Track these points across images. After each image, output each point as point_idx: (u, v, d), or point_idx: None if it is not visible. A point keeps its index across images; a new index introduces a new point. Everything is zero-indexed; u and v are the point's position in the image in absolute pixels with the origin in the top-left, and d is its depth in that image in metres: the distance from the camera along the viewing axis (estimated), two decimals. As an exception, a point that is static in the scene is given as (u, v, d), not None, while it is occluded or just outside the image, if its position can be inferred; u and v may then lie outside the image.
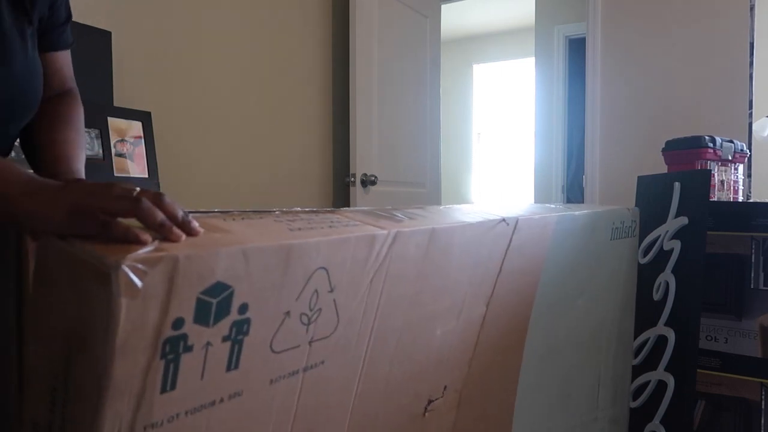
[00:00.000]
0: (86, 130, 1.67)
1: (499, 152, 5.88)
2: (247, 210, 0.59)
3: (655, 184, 1.55)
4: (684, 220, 1.43)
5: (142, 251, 0.40)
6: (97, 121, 1.71)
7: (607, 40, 2.67)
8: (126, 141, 1.78)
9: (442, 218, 0.72)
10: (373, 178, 2.64)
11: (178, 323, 0.43)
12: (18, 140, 0.87)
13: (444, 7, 3.35)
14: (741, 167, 1.85)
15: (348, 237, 0.56)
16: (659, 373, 1.41)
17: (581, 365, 1.11)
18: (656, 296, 1.46)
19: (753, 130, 2.36)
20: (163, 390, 0.43)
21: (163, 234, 0.44)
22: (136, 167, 1.78)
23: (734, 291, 1.49)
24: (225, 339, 0.46)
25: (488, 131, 5.94)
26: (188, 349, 0.44)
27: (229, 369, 0.47)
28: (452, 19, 4.97)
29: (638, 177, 1.64)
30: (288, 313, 0.51)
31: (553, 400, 1.04)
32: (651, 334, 1.44)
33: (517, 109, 5.70)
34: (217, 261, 0.44)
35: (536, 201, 4.30)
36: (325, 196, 2.74)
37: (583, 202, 3.28)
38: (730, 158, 1.76)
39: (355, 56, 2.59)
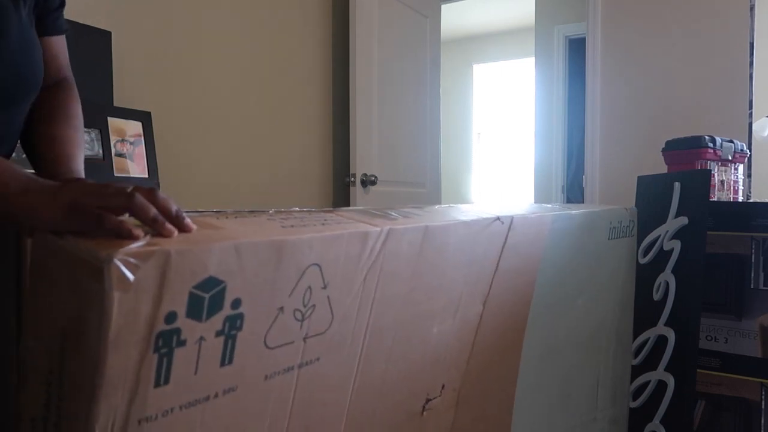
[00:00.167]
0: (86, 130, 1.67)
1: (499, 152, 5.88)
2: (242, 210, 0.60)
3: (655, 184, 1.55)
4: (684, 220, 1.43)
5: (135, 246, 0.41)
6: (97, 121, 1.71)
7: (607, 40, 2.67)
8: (126, 141, 1.78)
9: (437, 217, 0.72)
10: (373, 178, 2.64)
11: (171, 317, 0.43)
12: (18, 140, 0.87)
13: (444, 7, 3.35)
14: (741, 167, 1.85)
15: (341, 233, 0.56)
16: (659, 373, 1.41)
17: (581, 365, 1.11)
18: (656, 296, 1.46)
19: (753, 130, 2.36)
20: (157, 384, 0.43)
21: (156, 229, 0.45)
22: (136, 167, 1.78)
23: (734, 291, 1.49)
24: (218, 334, 0.47)
25: (488, 131, 5.94)
26: (181, 343, 0.44)
27: (223, 364, 0.48)
28: (452, 19, 4.97)
29: (638, 177, 1.64)
30: (281, 309, 0.52)
31: (552, 400, 1.04)
32: (651, 334, 1.44)
33: (517, 109, 5.70)
34: (209, 256, 0.45)
35: (536, 201, 4.30)
36: (325, 196, 2.74)
37: (583, 202, 3.28)
38: (730, 158, 1.76)
39: (355, 56, 2.59)
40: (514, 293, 0.88)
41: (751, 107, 2.37)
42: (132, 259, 0.40)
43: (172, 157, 2.01)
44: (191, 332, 0.45)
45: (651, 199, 1.54)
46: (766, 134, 2.34)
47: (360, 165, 2.61)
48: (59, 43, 0.91)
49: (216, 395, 0.48)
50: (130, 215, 0.46)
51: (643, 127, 2.58)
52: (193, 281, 0.44)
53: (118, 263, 0.39)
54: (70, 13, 1.65)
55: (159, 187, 1.85)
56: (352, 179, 2.60)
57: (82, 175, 0.86)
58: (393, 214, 0.68)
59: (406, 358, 0.70)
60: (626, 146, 2.62)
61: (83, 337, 0.41)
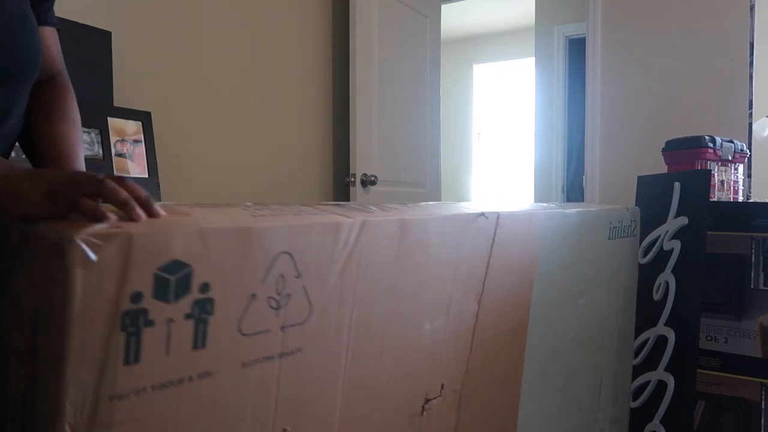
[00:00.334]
0: (86, 130, 1.67)
1: (499, 152, 5.88)
2: (223, 202, 0.60)
3: (655, 184, 1.55)
4: (684, 220, 1.43)
5: (98, 227, 0.43)
6: (97, 121, 1.71)
7: (607, 40, 2.67)
8: (126, 141, 1.78)
9: (417, 211, 0.72)
10: (373, 178, 2.64)
11: (137, 297, 0.45)
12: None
13: (444, 7, 3.35)
14: (741, 167, 1.85)
15: (310, 223, 0.57)
16: (659, 373, 1.41)
17: (583, 365, 1.11)
18: (656, 296, 1.46)
19: (753, 130, 2.36)
20: (127, 362, 0.45)
21: (127, 212, 0.47)
22: (136, 167, 1.78)
23: (734, 291, 1.49)
24: (188, 317, 0.48)
25: (488, 131, 5.94)
26: (149, 323, 0.46)
27: (196, 347, 0.49)
28: (452, 19, 4.97)
29: (638, 177, 1.64)
30: (254, 296, 0.52)
31: (556, 401, 1.04)
32: (651, 334, 1.44)
33: (517, 109, 5.70)
34: (172, 239, 0.46)
35: (536, 201, 4.30)
36: (325, 196, 2.74)
37: (583, 202, 3.27)
38: (730, 158, 1.76)
39: (355, 56, 2.59)
40: (511, 292, 0.88)
41: (751, 107, 2.37)
42: (94, 240, 0.42)
43: (172, 157, 2.01)
44: (159, 313, 0.46)
45: (651, 199, 1.54)
46: (766, 134, 2.34)
47: (360, 165, 2.61)
48: (51, 36, 0.91)
49: (191, 378, 0.49)
50: (103, 201, 0.48)
51: (643, 127, 2.58)
52: (157, 263, 0.45)
53: (80, 242, 0.41)
54: (70, 13, 1.66)
55: (159, 187, 1.85)
56: (352, 179, 2.60)
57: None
58: (372, 208, 0.69)
59: (399, 356, 0.70)
60: (626, 146, 2.62)
61: (51, 315, 0.42)
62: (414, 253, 0.69)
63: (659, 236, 1.48)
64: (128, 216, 0.47)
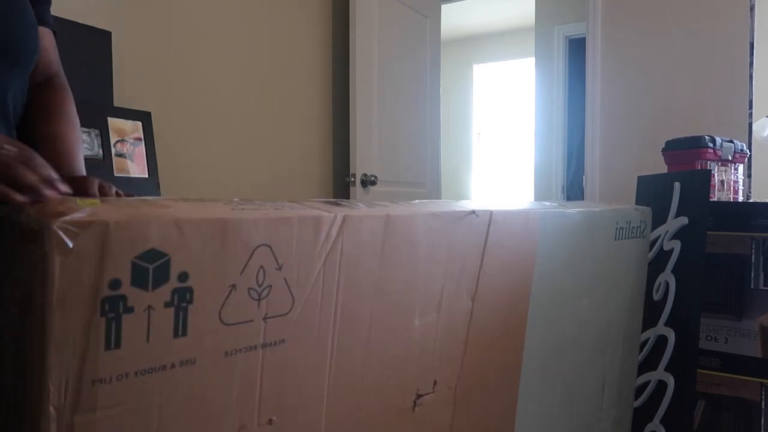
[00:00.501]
0: (86, 130, 1.67)
1: (499, 152, 5.89)
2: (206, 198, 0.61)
3: (655, 184, 1.55)
4: (684, 220, 1.43)
5: (76, 215, 0.44)
6: (97, 121, 1.71)
7: (607, 40, 2.67)
8: (126, 141, 1.78)
9: (403, 208, 0.73)
10: (373, 178, 2.64)
11: (115, 284, 0.46)
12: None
13: (444, 7, 3.35)
14: (741, 167, 1.85)
15: (290, 216, 0.58)
16: (659, 373, 1.41)
17: (587, 366, 1.11)
18: (656, 296, 1.46)
19: (753, 130, 2.36)
20: (108, 347, 0.46)
21: (33, 197, 0.50)
22: (136, 167, 1.78)
23: (734, 291, 1.49)
24: (167, 305, 0.49)
25: (488, 131, 5.95)
26: (129, 310, 0.47)
27: (176, 335, 0.50)
28: (452, 19, 4.97)
29: (638, 177, 1.64)
30: (234, 286, 0.54)
31: (557, 401, 1.04)
32: (651, 334, 1.44)
33: (517, 109, 5.70)
34: (148, 228, 0.48)
35: (537, 200, 4.29)
36: (325, 196, 2.74)
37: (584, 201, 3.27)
38: (730, 158, 1.76)
39: (355, 56, 2.59)
40: (508, 291, 0.88)
41: (751, 107, 2.37)
42: (72, 227, 0.44)
43: (172, 157, 2.01)
44: (138, 300, 0.48)
45: (651, 199, 1.54)
46: (766, 134, 2.34)
47: (360, 165, 2.61)
48: (48, 37, 0.91)
49: (173, 365, 0.51)
50: (7, 185, 0.51)
51: (643, 127, 2.58)
52: (134, 252, 0.47)
53: (57, 230, 0.43)
54: (70, 13, 1.66)
55: (159, 187, 1.85)
56: (352, 179, 2.60)
57: (83, 172, 0.87)
58: (360, 205, 0.69)
59: (388, 350, 0.71)
60: (626, 146, 2.62)
61: (33, 300, 0.44)
62: (400, 248, 0.70)
63: (659, 236, 1.48)
64: (39, 194, 0.50)
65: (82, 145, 0.92)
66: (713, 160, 1.72)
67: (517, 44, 5.50)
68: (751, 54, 2.37)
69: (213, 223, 0.52)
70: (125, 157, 1.77)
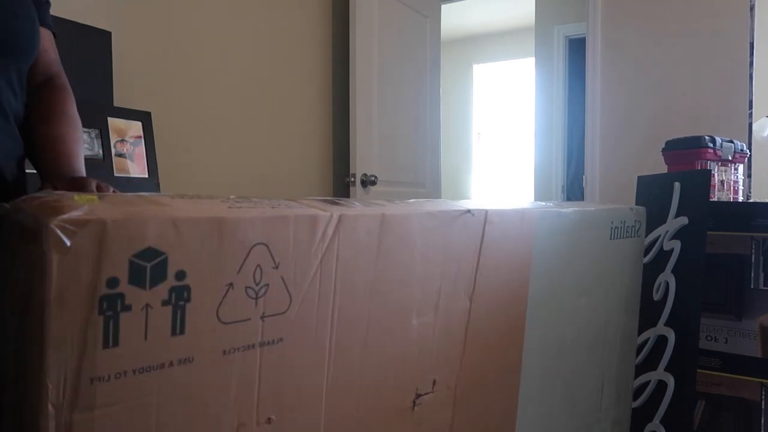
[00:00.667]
0: (86, 130, 1.67)
1: (499, 152, 5.88)
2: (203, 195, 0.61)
3: (655, 184, 1.55)
4: (684, 220, 1.43)
5: (74, 214, 0.45)
6: (97, 121, 1.71)
7: (607, 40, 2.67)
8: (126, 141, 1.78)
9: (399, 207, 0.73)
10: (373, 178, 2.64)
11: (113, 282, 0.46)
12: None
13: (444, 7, 3.35)
14: (741, 167, 1.85)
15: (286, 215, 0.58)
16: (659, 373, 1.41)
17: (586, 366, 1.11)
18: (656, 296, 1.46)
19: (753, 130, 2.36)
20: (106, 345, 0.46)
21: None
22: (136, 167, 1.79)
23: (734, 291, 1.49)
24: (165, 303, 0.50)
25: (488, 131, 5.94)
26: (127, 308, 0.47)
27: (174, 333, 0.50)
28: (452, 19, 4.97)
29: (638, 177, 1.64)
30: (231, 285, 0.54)
31: (557, 402, 1.04)
32: (651, 334, 1.44)
33: (517, 109, 5.70)
34: (146, 227, 0.48)
35: (536, 200, 4.29)
36: (325, 197, 2.74)
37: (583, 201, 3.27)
38: (730, 158, 1.76)
39: (355, 56, 2.59)
40: (505, 291, 0.88)
41: (751, 107, 2.37)
42: (69, 226, 0.44)
43: (172, 157, 2.01)
44: (136, 299, 0.48)
45: (651, 199, 1.54)
46: (766, 134, 2.34)
47: (360, 165, 2.61)
48: (48, 38, 0.92)
49: (171, 364, 0.51)
50: None
51: (643, 127, 2.58)
52: (131, 250, 0.47)
53: (55, 228, 0.43)
54: (70, 13, 1.66)
55: (159, 187, 1.85)
56: (352, 179, 2.60)
57: (83, 172, 0.87)
58: (356, 204, 0.69)
59: (386, 350, 0.71)
60: (626, 146, 2.62)
61: (32, 298, 0.44)
62: (396, 248, 0.70)
63: (659, 236, 1.48)
64: None
65: (83, 145, 0.93)
66: (713, 160, 1.72)
67: (517, 44, 5.50)
68: (751, 54, 2.37)
69: (210, 221, 0.52)
70: (125, 157, 1.77)
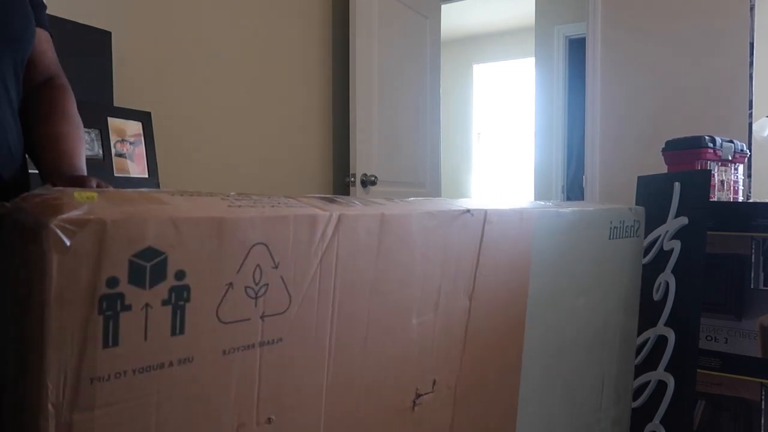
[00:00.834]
0: (86, 130, 1.67)
1: (499, 152, 5.89)
2: (203, 192, 0.61)
3: (655, 184, 1.55)
4: (684, 220, 1.43)
5: (73, 213, 0.44)
6: (97, 121, 1.71)
7: (607, 40, 2.67)
8: (126, 141, 1.78)
9: (398, 207, 0.72)
10: (373, 178, 2.64)
11: (113, 282, 0.46)
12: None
13: (444, 7, 3.35)
14: (741, 167, 1.85)
15: (286, 215, 0.58)
16: (659, 373, 1.41)
17: (586, 365, 1.11)
18: (656, 296, 1.46)
19: (753, 130, 2.36)
20: (106, 345, 0.46)
21: None
22: (136, 167, 1.79)
23: (734, 291, 1.49)
24: (165, 303, 0.50)
25: (488, 131, 5.95)
26: (126, 308, 0.47)
27: (174, 333, 0.50)
28: (452, 19, 4.98)
29: (638, 177, 1.64)
30: (231, 285, 0.54)
31: (557, 401, 1.04)
32: (651, 334, 1.44)
33: (517, 109, 5.70)
34: (145, 227, 0.48)
35: (536, 200, 4.29)
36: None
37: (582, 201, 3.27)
38: (730, 158, 1.76)
39: (355, 56, 2.59)
40: (505, 291, 0.88)
41: (751, 107, 2.37)
42: (69, 226, 0.44)
43: (172, 157, 2.01)
44: (135, 299, 0.48)
45: (651, 199, 1.54)
46: (766, 134, 2.34)
47: (360, 165, 2.61)
48: (45, 38, 0.92)
49: (171, 364, 0.51)
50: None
51: (643, 127, 2.58)
52: (131, 250, 0.47)
53: (55, 228, 0.43)
54: (70, 13, 1.66)
55: (159, 187, 1.85)
56: (352, 179, 2.60)
57: (85, 171, 0.87)
58: (356, 203, 0.69)
59: (386, 349, 0.71)
60: (626, 146, 2.62)
61: (32, 298, 0.44)
62: (396, 247, 0.70)
63: (659, 236, 1.48)
64: None
65: (85, 144, 0.93)
66: (713, 160, 1.72)
67: (517, 44, 5.50)
68: (751, 54, 2.37)
69: (210, 221, 0.52)
70: (125, 157, 1.77)
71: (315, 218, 0.61)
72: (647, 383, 1.43)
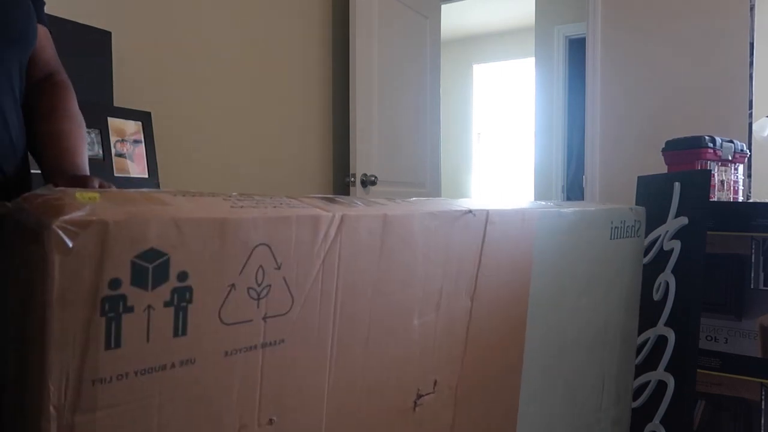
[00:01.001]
0: (87, 130, 1.67)
1: (499, 152, 5.88)
2: (206, 191, 0.61)
3: (655, 184, 1.55)
4: (684, 220, 1.43)
5: (76, 214, 0.44)
6: (97, 121, 1.71)
7: (607, 40, 2.67)
8: (126, 141, 1.78)
9: (400, 207, 0.72)
10: (373, 178, 2.64)
11: (115, 284, 0.46)
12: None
13: (444, 7, 3.35)
14: (741, 167, 1.85)
15: (288, 216, 0.58)
16: (659, 373, 1.41)
17: (586, 365, 1.11)
18: (656, 296, 1.46)
19: (753, 130, 2.36)
20: (108, 346, 0.46)
21: None
22: (136, 167, 1.78)
23: (734, 291, 1.49)
24: (167, 304, 0.49)
25: (488, 131, 5.94)
26: (129, 309, 0.47)
27: (176, 334, 0.50)
28: (452, 19, 4.97)
29: (638, 177, 1.64)
30: (233, 286, 0.54)
31: (558, 401, 1.04)
32: (651, 334, 1.44)
33: (517, 109, 5.70)
34: (148, 228, 0.47)
35: (536, 200, 4.29)
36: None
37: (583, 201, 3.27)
38: (730, 158, 1.76)
39: (355, 56, 2.59)
40: (506, 291, 0.88)
41: (751, 107, 2.37)
42: (71, 227, 0.43)
43: (172, 157, 2.01)
44: (138, 300, 0.47)
45: (651, 199, 1.54)
46: (766, 134, 2.34)
47: (360, 165, 2.61)
48: (44, 35, 0.91)
49: (173, 365, 0.50)
50: None
51: (643, 127, 2.58)
52: (134, 251, 0.47)
53: (57, 229, 0.43)
54: (70, 13, 1.66)
55: (159, 187, 1.85)
56: (352, 179, 2.60)
57: (87, 169, 0.86)
58: (358, 203, 0.69)
59: (388, 350, 0.70)
60: (626, 146, 2.62)
61: (34, 299, 0.44)
62: (398, 248, 0.70)
63: (659, 236, 1.48)
64: None
65: (86, 142, 0.92)
66: (713, 160, 1.72)
67: (517, 44, 5.50)
68: (751, 54, 2.37)
69: (212, 222, 0.52)
70: (125, 157, 1.77)
71: (317, 219, 0.60)
72: (647, 383, 1.43)
